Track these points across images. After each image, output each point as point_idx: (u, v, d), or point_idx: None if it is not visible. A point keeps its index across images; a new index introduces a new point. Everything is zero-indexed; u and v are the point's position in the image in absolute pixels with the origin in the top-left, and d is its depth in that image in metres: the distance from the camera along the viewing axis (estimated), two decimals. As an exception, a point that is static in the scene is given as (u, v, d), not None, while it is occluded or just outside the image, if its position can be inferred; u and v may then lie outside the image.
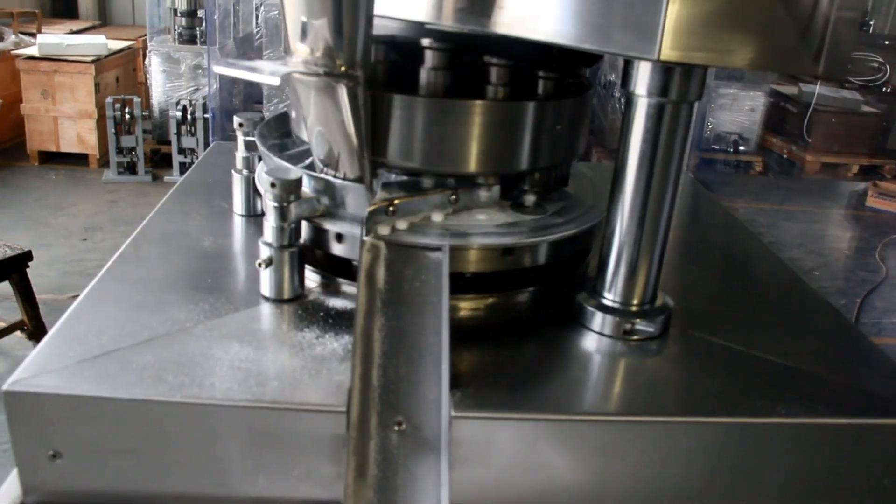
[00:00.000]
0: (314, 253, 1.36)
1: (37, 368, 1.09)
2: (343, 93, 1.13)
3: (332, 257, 1.32)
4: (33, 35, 7.65)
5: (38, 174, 6.83)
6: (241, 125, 1.57)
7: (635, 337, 1.24)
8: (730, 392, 1.15)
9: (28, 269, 3.60)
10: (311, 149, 1.27)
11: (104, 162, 6.95)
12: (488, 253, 1.25)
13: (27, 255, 3.55)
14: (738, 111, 7.69)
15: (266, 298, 1.29)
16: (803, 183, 7.80)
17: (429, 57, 1.25)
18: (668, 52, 0.97)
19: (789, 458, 1.10)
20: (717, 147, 7.70)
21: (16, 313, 3.71)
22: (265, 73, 1.02)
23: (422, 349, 1.11)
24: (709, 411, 1.10)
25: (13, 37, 7.61)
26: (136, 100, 6.60)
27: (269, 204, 1.22)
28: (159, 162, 7.08)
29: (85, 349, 1.13)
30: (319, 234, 1.30)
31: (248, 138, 1.57)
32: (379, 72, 1.30)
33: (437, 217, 1.29)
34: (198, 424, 1.06)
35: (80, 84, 6.84)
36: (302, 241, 1.29)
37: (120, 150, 6.69)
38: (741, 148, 7.74)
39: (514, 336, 1.27)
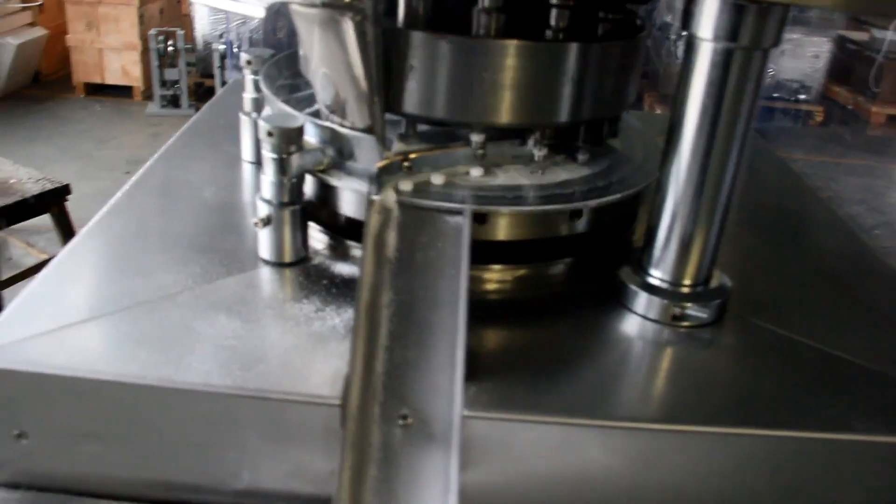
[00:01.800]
0: (321, 211, 1.20)
1: (1, 339, 0.95)
2: (349, 28, 0.96)
3: (340, 216, 1.16)
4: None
5: (84, 106, 6.81)
6: (248, 62, 1.41)
7: (685, 323, 1.07)
8: (795, 398, 0.97)
9: (69, 202, 3.55)
10: (316, 93, 1.10)
11: (148, 94, 6.88)
12: (518, 219, 1.09)
13: (65, 189, 3.50)
14: (800, 58, 7.32)
15: (265, 262, 1.14)
16: (866, 135, 7.45)
17: None
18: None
19: (866, 481, 0.93)
20: (776, 95, 7.36)
21: (57, 246, 3.65)
22: (251, 2, 0.85)
23: (434, 330, 0.95)
24: (770, 422, 0.92)
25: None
26: (180, 32, 6.48)
27: (266, 155, 1.07)
28: (203, 95, 6.98)
29: (56, 317, 1.00)
30: (325, 191, 1.14)
31: (256, 77, 1.41)
32: (393, 5, 1.12)
33: (457, 175, 1.12)
34: (172, 410, 0.92)
35: (123, 15, 6.77)
36: (306, 197, 1.13)
37: (163, 83, 6.62)
38: (802, 97, 7.40)
39: (544, 316, 1.10)
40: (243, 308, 1.04)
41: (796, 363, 1.04)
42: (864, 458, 0.93)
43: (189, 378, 0.90)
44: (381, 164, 1.04)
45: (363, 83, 1.01)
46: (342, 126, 1.09)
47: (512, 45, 1.06)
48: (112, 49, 6.86)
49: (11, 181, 3.50)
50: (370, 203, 1.03)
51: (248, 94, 1.44)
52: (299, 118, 1.08)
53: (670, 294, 1.07)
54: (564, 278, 1.20)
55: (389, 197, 1.05)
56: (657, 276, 1.09)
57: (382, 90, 1.04)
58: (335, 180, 1.11)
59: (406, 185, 1.07)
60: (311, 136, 1.13)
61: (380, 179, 1.04)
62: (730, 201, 1.05)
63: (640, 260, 1.11)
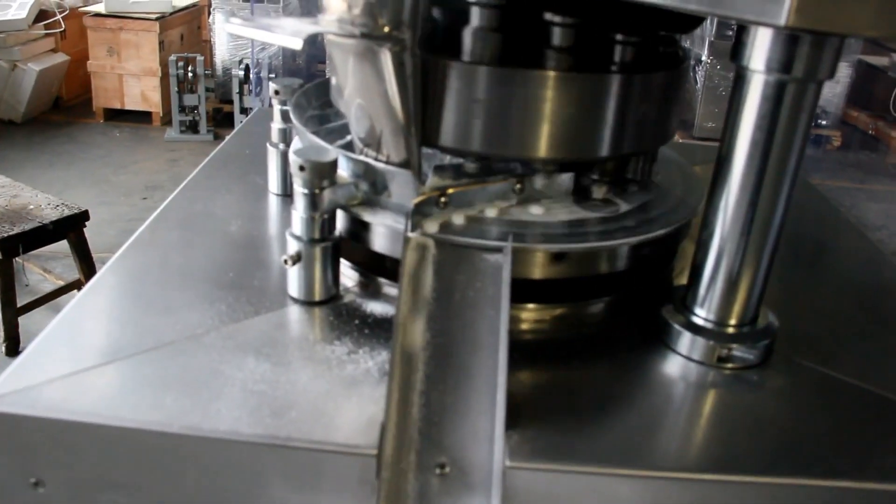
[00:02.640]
0: (353, 246, 1.16)
1: (19, 382, 0.91)
2: (387, 59, 0.93)
3: (373, 253, 1.12)
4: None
5: (103, 131, 6.86)
6: (276, 92, 1.38)
7: (731, 365, 1.02)
8: (851, 445, 0.93)
9: (86, 228, 3.62)
10: (350, 125, 1.06)
11: (167, 120, 6.94)
12: (558, 257, 1.04)
13: (84, 215, 3.57)
14: (820, 83, 7.26)
15: (294, 300, 1.10)
16: (887, 161, 7.38)
17: (492, 16, 1.03)
18: (796, 16, 0.75)
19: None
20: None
21: (74, 272, 3.73)
22: (286, 32, 0.82)
23: (474, 373, 0.91)
24: (827, 471, 0.88)
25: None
26: (199, 58, 6.53)
27: (297, 190, 1.03)
28: (221, 121, 7.02)
29: (75, 360, 0.96)
30: (358, 226, 1.10)
31: (284, 108, 1.37)
32: (432, 34, 1.09)
33: (495, 210, 1.08)
34: (198, 459, 0.87)
35: (144, 41, 6.83)
36: (338, 233, 1.10)
37: (182, 109, 6.66)
38: (821, 122, 7.35)
39: (585, 358, 1.06)
40: (272, 350, 1.00)
41: (849, 407, 1.00)
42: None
43: (217, 426, 0.86)
44: (417, 199, 1.00)
45: (400, 115, 0.98)
46: (377, 160, 1.05)
47: (550, 75, 1.02)
48: (132, 75, 6.92)
49: (30, 207, 3.52)
50: (406, 240, 1.00)
51: (276, 125, 1.41)
52: (332, 152, 1.05)
53: (716, 334, 1.03)
54: (603, 317, 1.16)
55: (426, 234, 1.01)
56: (702, 315, 1.04)
57: (419, 122, 1.01)
58: (368, 216, 1.07)
59: (443, 222, 1.03)
60: (343, 170, 1.09)
61: (415, 216, 1.01)
62: (779, 238, 1.01)
63: (683, 298, 1.07)
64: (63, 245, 3.61)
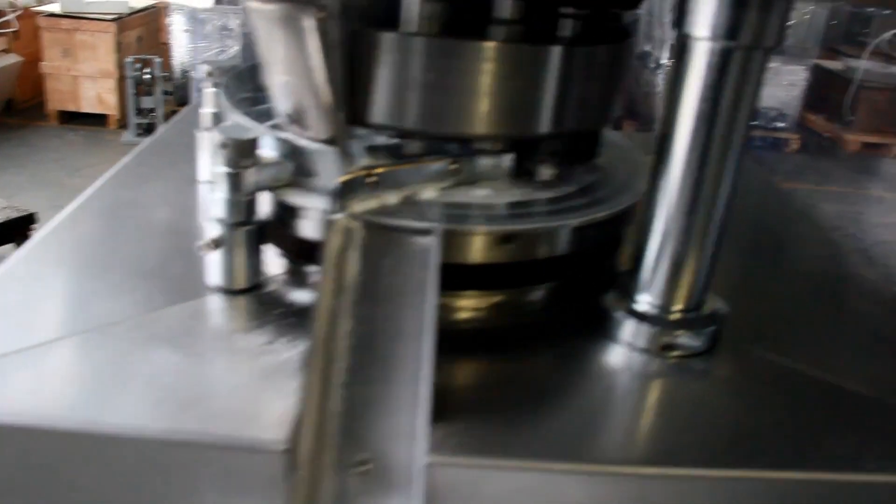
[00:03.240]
0: (278, 232, 1.09)
1: None
2: (310, 27, 0.86)
3: (301, 239, 1.06)
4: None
5: (58, 134, 6.68)
6: (210, 74, 1.30)
7: (676, 353, 0.97)
8: (798, 435, 0.87)
9: (35, 231, 3.51)
10: (275, 101, 1.00)
11: (123, 123, 6.75)
12: (493, 239, 0.98)
13: (30, 218, 3.53)
14: (777, 86, 7.35)
15: (215, 288, 1.03)
16: (842, 163, 7.46)
17: None
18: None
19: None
20: (754, 122, 7.36)
21: None
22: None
23: (398, 365, 0.85)
24: (773, 462, 0.82)
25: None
26: (157, 60, 6.39)
27: (219, 169, 0.96)
28: (179, 124, 6.86)
29: (-32, 351, 0.88)
30: (283, 210, 1.03)
31: (218, 90, 1.30)
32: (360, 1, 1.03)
33: (430, 192, 1.02)
34: (99, 457, 0.80)
35: (100, 43, 6.66)
36: (262, 216, 1.03)
37: (139, 111, 6.51)
38: (779, 125, 7.42)
39: (522, 347, 1.00)
40: (186, 341, 0.93)
41: (798, 396, 0.95)
42: (876, 499, 0.84)
43: (118, 420, 0.79)
44: (342, 179, 0.94)
45: (325, 89, 0.91)
46: (303, 138, 0.98)
47: (491, 47, 0.96)
48: (88, 77, 6.74)
49: (-24, 210, 3.44)
50: (329, 223, 0.93)
51: (207, 109, 1.34)
52: (255, 129, 0.98)
53: (660, 321, 0.97)
54: (544, 305, 1.10)
55: (352, 215, 0.95)
56: (645, 301, 0.99)
57: (347, 98, 0.94)
58: (294, 198, 1.00)
59: (370, 203, 0.96)
60: (269, 150, 1.02)
61: (341, 197, 0.94)
62: (726, 218, 0.95)
63: (626, 284, 1.01)
64: (10, 248, 3.49)
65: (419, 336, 0.85)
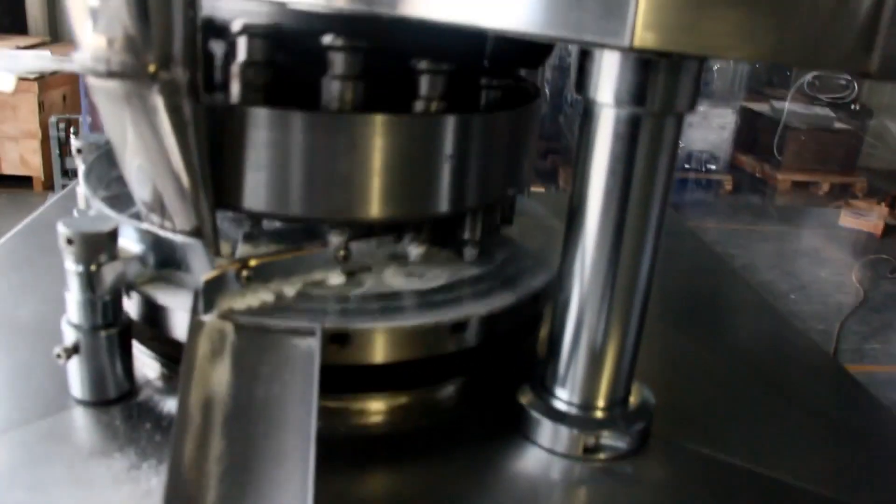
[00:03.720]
0: (149, 332, 0.96)
1: None
2: (159, 105, 0.75)
3: (174, 340, 0.92)
4: (-24, 50, 7.28)
5: (-22, 198, 6.40)
6: (79, 151, 1.18)
7: (601, 455, 0.86)
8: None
9: None
10: (131, 188, 0.87)
11: (50, 185, 6.52)
12: (389, 336, 0.86)
13: None
14: (707, 129, 7.44)
15: (77, 401, 0.89)
16: (774, 202, 7.56)
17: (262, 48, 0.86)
18: (643, 34, 0.60)
19: None
20: (687, 166, 7.42)
21: None
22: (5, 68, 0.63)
23: (279, 490, 0.72)
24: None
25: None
26: (83, 119, 6.17)
27: (69, 268, 0.83)
28: (109, 185, 6.64)
29: None
30: (152, 309, 0.90)
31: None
32: (218, 74, 0.91)
33: (313, 285, 0.90)
34: None
35: (22, 103, 6.39)
36: (128, 316, 0.90)
37: (65, 173, 6.25)
38: (711, 167, 7.50)
39: (426, 456, 0.87)
40: (33, 469, 0.79)
41: (739, 496, 0.84)
42: None
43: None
44: (208, 276, 0.81)
45: (184, 175, 0.79)
46: (164, 229, 0.86)
47: (377, 119, 0.85)
48: (9, 138, 6.47)
49: None
50: (195, 326, 0.80)
51: (82, 189, 1.20)
52: (112, 220, 0.85)
53: (580, 421, 0.86)
54: (452, 404, 0.97)
55: (221, 316, 0.82)
56: (563, 398, 0.87)
57: (210, 182, 0.82)
58: (160, 296, 0.88)
59: (243, 301, 0.84)
60: (132, 242, 0.90)
61: (207, 295, 0.81)
62: (647, 298, 0.85)
63: (542, 378, 0.90)
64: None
65: (302, 457, 0.73)
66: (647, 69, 0.72)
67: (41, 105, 6.44)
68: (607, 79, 0.74)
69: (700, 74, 0.75)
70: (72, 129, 6.09)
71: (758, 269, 5.77)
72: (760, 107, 8.05)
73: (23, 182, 6.61)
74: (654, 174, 0.77)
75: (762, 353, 1.19)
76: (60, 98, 6.87)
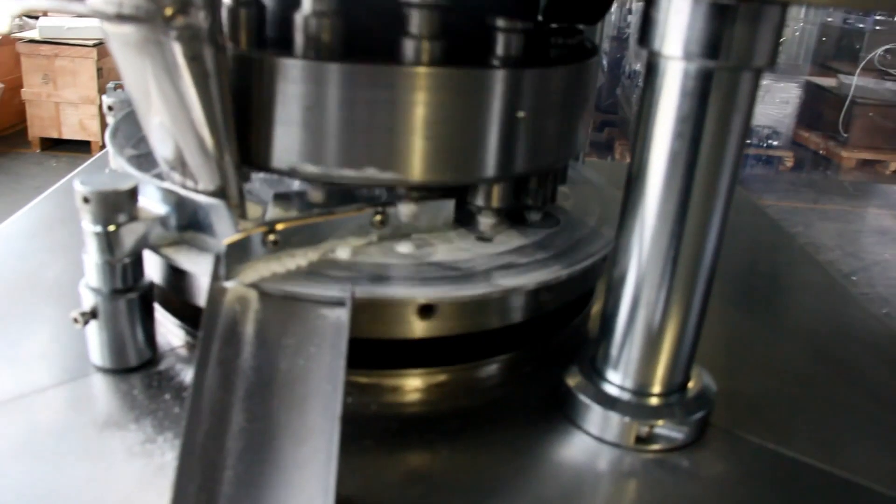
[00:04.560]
0: (172, 297, 0.91)
1: None
2: (177, 52, 0.68)
3: (197, 306, 0.87)
4: (37, 18, 7.35)
5: (39, 161, 6.53)
6: (110, 108, 1.12)
7: (655, 446, 0.78)
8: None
9: None
10: (151, 144, 0.81)
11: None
12: (425, 309, 0.80)
13: None
14: (769, 103, 7.24)
15: (97, 368, 0.85)
16: (838, 180, 7.33)
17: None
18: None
19: None
20: (747, 141, 7.21)
21: None
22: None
23: (301, 471, 0.66)
24: None
25: (16, 20, 7.29)
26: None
27: (86, 228, 0.78)
28: (161, 147, 6.73)
29: None
30: (173, 273, 0.85)
31: (119, 126, 1.12)
32: (250, 23, 0.84)
33: (344, 251, 0.83)
34: None
35: (81, 69, 6.51)
36: (151, 280, 0.85)
37: (122, 138, 6.34)
38: (772, 143, 7.30)
39: (463, 441, 0.80)
40: (45, 440, 0.74)
41: (805, 496, 0.76)
42: None
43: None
44: (231, 239, 0.75)
45: (206, 130, 0.73)
46: (186, 189, 0.80)
47: (416, 72, 0.78)
48: (69, 103, 6.59)
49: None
50: (217, 292, 0.74)
51: (108, 146, 1.16)
52: (131, 178, 0.80)
53: (633, 407, 0.78)
54: (495, 384, 0.90)
55: (245, 283, 0.76)
56: (615, 381, 0.80)
57: (235, 139, 0.76)
58: (182, 260, 0.82)
59: (269, 267, 0.78)
60: (155, 203, 0.84)
61: (230, 261, 0.76)
62: (712, 276, 0.77)
63: (592, 359, 0.83)
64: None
65: (326, 435, 0.67)
66: (722, 17, 0.63)
67: (99, 71, 6.50)
68: (676, 28, 0.65)
69: (782, 25, 0.66)
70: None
71: (819, 249, 5.62)
72: (826, 81, 7.79)
73: (81, 146, 6.70)
74: (726, 137, 0.69)
75: (830, 336, 1.10)
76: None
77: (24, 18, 7.35)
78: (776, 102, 7.28)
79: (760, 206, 1.63)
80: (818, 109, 7.75)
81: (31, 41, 6.47)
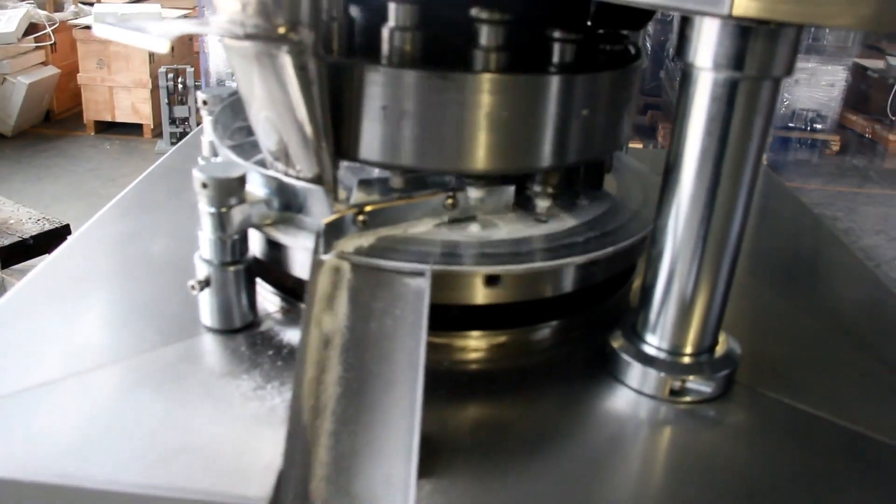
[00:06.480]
0: (271, 269, 1.05)
1: None
2: (286, 63, 0.83)
3: (293, 276, 1.02)
4: (92, 5, 7.57)
5: (93, 144, 6.79)
6: (205, 102, 1.27)
7: (686, 398, 0.92)
8: (818, 489, 0.82)
9: None
10: (258, 138, 0.96)
11: (158, 132, 6.85)
12: (491, 280, 0.94)
13: (66, 229, 3.47)
14: (815, 87, 7.17)
15: (207, 328, 1.00)
16: (884, 165, 7.28)
17: (412, 13, 0.93)
18: (743, 2, 0.65)
19: None
20: (791, 125, 7.19)
21: None
22: (153, 34, 0.72)
23: (389, 413, 0.81)
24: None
25: (73, 7, 7.53)
26: (189, 69, 6.45)
27: (203, 209, 0.93)
28: (211, 132, 6.90)
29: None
30: (275, 249, 1.00)
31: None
32: (341, 34, 0.98)
33: (424, 229, 0.97)
34: (75, 514, 0.77)
35: (134, 53, 6.72)
36: (254, 254, 0.99)
37: (173, 121, 6.59)
38: (817, 126, 7.23)
39: (522, 392, 0.95)
40: (171, 386, 0.89)
41: (817, 445, 0.89)
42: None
43: (93, 474, 0.76)
44: (329, 219, 0.89)
45: (307, 126, 0.87)
46: (287, 175, 0.94)
47: (483, 78, 0.92)
48: (122, 87, 6.85)
49: (11, 221, 3.44)
50: (316, 263, 0.89)
51: (207, 137, 1.30)
52: (240, 167, 0.94)
53: (667, 365, 0.92)
54: (548, 346, 1.05)
55: (340, 256, 0.91)
56: (653, 343, 0.93)
57: (333, 133, 0.90)
58: (283, 237, 0.96)
59: (359, 243, 0.92)
60: (258, 187, 0.99)
61: (328, 237, 0.90)
62: (737, 254, 0.90)
63: (633, 324, 0.96)
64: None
65: (411, 383, 0.81)
66: (745, 35, 0.76)
67: (151, 56, 6.73)
68: (706, 44, 0.79)
69: (798, 40, 0.78)
70: (179, 79, 6.36)
71: (862, 233, 5.63)
72: (875, 63, 7.70)
73: (133, 129, 6.97)
74: (748, 135, 0.82)
75: (856, 316, 1.22)
76: (169, 49, 7.09)
77: (80, 6, 7.59)
78: (822, 86, 7.21)
79: (790, 190, 1.73)
80: (865, 92, 7.68)
81: (87, 27, 6.69)
